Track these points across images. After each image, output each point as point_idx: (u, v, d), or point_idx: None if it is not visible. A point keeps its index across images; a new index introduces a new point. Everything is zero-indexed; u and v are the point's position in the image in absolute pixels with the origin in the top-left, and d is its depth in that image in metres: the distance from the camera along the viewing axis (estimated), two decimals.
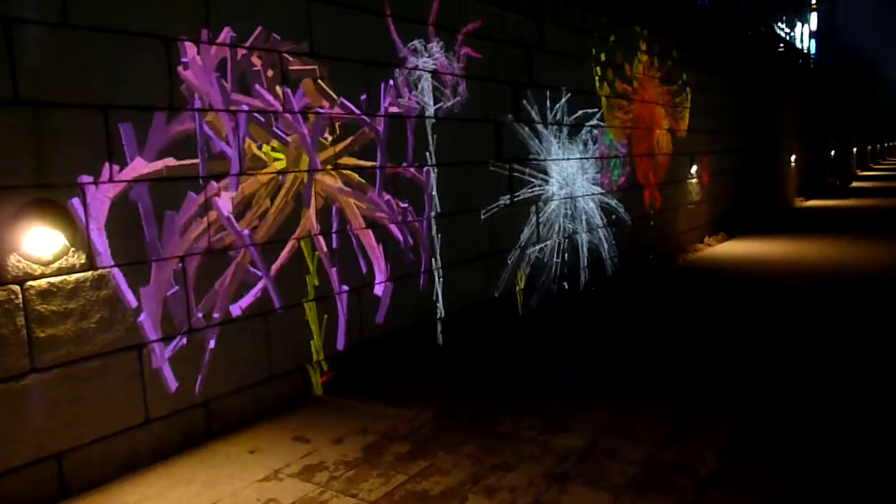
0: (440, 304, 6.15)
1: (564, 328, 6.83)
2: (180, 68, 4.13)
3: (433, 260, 6.06)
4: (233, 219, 4.44)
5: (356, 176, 5.31)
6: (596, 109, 8.67)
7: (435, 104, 6.01)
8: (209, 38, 4.29)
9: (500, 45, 6.89)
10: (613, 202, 9.20)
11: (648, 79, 10.40)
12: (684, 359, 5.71)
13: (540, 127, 7.51)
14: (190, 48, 4.18)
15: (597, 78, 8.72)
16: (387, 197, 5.56)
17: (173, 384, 4.10)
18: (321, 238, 5.03)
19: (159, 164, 4.03)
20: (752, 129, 16.50)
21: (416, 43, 5.80)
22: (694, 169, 12.29)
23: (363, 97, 5.34)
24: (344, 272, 5.20)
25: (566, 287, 8.10)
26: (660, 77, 10.85)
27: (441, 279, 6.14)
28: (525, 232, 7.33)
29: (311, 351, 4.99)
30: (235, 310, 4.45)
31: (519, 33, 7.20)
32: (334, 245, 5.12)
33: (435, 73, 6.00)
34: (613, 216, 9.22)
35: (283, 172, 4.78)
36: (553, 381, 5.29)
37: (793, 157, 21.32)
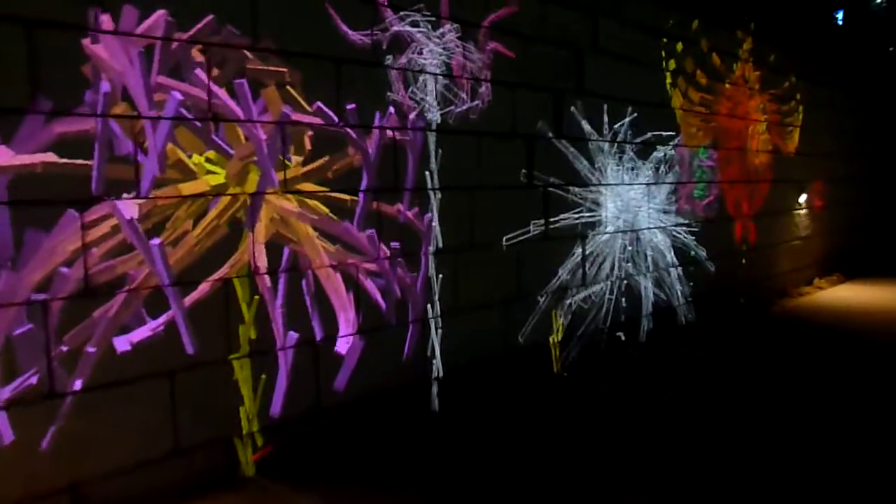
0: (437, 361, 4.95)
1: (607, 396, 5.45)
2: (87, 40, 3.22)
3: (429, 306, 4.88)
4: (141, 236, 3.46)
5: (324, 207, 4.22)
6: (670, 125, 7.23)
7: (442, 108, 4.85)
8: (135, 19, 3.38)
9: (535, 43, 5.65)
10: (692, 236, 7.70)
11: (747, 91, 8.80)
12: (762, 463, 4.25)
13: (592, 145, 6.19)
14: (106, 21, 3.30)
15: (674, 88, 7.28)
16: (368, 232, 4.44)
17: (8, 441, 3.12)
18: (265, 277, 3.97)
19: (34, 159, 3.11)
20: (881, 154, 14.28)
21: (422, 27, 4.67)
22: (803, 198, 10.48)
23: (350, 106, 4.27)
24: (294, 322, 4.11)
25: (622, 339, 6.69)
26: (763, 90, 9.21)
27: (439, 329, 4.95)
28: (565, 269, 6.02)
29: (240, 420, 3.93)
30: (123, 346, 3.44)
31: (563, 28, 5.93)
32: (282, 287, 4.05)
33: (447, 69, 4.85)
34: (691, 253, 7.71)
35: (217, 191, 3.76)
36: (580, 478, 3.97)
37: None
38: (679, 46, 7.34)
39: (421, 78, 4.68)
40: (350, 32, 4.27)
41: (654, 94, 7.02)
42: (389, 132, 4.52)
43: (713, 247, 8.08)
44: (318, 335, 4.24)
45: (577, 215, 6.06)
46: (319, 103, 4.15)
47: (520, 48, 5.49)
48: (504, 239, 5.43)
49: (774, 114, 9.63)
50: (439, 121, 4.82)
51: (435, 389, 4.96)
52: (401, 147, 4.62)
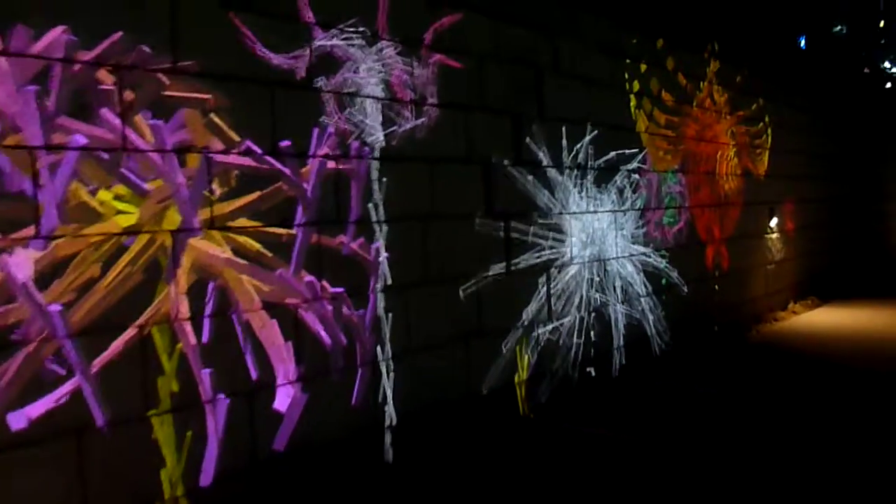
0: (389, 408, 4.55)
1: (577, 439, 5.08)
2: None
3: (379, 348, 4.48)
4: (32, 289, 3.03)
5: (257, 245, 3.83)
6: (635, 149, 6.96)
7: (385, 129, 4.49)
8: (27, 38, 2.99)
9: (492, 63, 5.35)
10: (662, 263, 7.40)
11: (714, 114, 8.60)
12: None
13: (553, 172, 5.88)
14: None
15: (636, 110, 7.03)
16: (307, 277, 4.05)
17: None
18: (187, 325, 3.56)
19: None
20: (854, 175, 14.22)
21: (356, 42, 4.33)
22: (774, 221, 10.28)
23: (283, 143, 3.91)
24: (223, 373, 3.69)
25: (592, 374, 6.33)
26: (731, 112, 9.02)
27: (391, 373, 4.55)
28: (530, 307, 5.66)
29: (160, 484, 3.48)
30: (19, 423, 3.00)
31: (521, 50, 5.65)
32: (207, 335, 3.63)
33: (387, 87, 4.51)
34: (663, 280, 7.41)
35: (131, 231, 3.37)
36: None
37: None
38: (643, 67, 7.10)
39: (358, 99, 4.33)
40: (273, 56, 3.90)
41: (617, 117, 6.76)
42: (327, 160, 4.15)
43: (685, 273, 7.78)
44: (253, 385, 3.82)
45: (541, 244, 5.72)
46: (248, 141, 3.77)
47: (475, 69, 5.18)
48: (461, 278, 5.06)
49: (743, 136, 9.44)
50: (383, 143, 4.47)
51: (388, 438, 4.54)
52: (342, 176, 4.26)
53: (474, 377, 5.18)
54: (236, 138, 3.72)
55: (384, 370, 4.51)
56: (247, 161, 3.77)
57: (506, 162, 5.42)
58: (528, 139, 5.62)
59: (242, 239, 3.78)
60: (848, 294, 11.83)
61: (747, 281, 9.45)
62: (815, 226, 11.98)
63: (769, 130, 10.27)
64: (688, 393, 6.22)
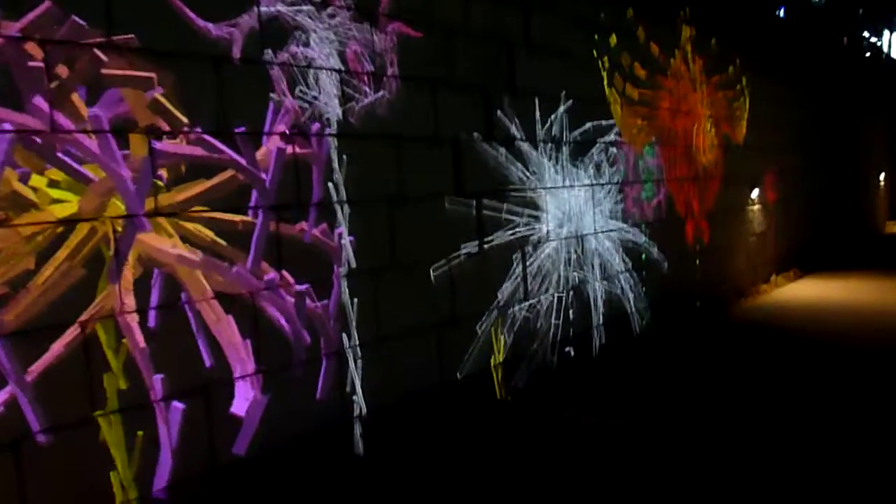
0: (358, 398, 4.36)
1: (556, 424, 4.92)
2: None
3: (345, 336, 4.28)
4: None
5: (211, 233, 3.60)
6: (610, 121, 6.76)
7: (343, 105, 4.26)
8: None
9: (459, 37, 5.11)
10: (642, 239, 7.23)
11: (690, 84, 8.40)
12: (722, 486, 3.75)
13: (526, 146, 5.67)
14: None
15: (610, 82, 6.81)
16: (266, 267, 3.83)
17: None
18: (134, 321, 3.33)
19: None
20: (832, 146, 14.12)
21: (306, 8, 4.07)
22: (755, 193, 10.15)
23: (236, 124, 3.66)
24: (175, 368, 3.48)
25: (571, 354, 6.17)
26: (708, 82, 8.83)
27: (359, 361, 4.36)
28: (505, 287, 5.48)
29: (111, 488, 3.28)
30: None
31: (491, 21, 5.41)
32: (155, 328, 3.41)
33: (342, 58, 4.26)
34: (643, 256, 7.25)
35: (69, 221, 3.13)
36: None
37: (882, 177, 18.63)
38: (613, 40, 6.87)
39: (312, 72, 4.09)
40: (213, 27, 3.64)
41: (592, 90, 6.55)
42: (284, 140, 3.92)
43: (665, 250, 7.63)
44: (209, 384, 3.61)
45: (515, 221, 5.53)
46: (198, 123, 3.52)
47: (442, 43, 4.95)
48: (432, 260, 4.86)
49: (720, 102, 9.26)
50: (340, 117, 4.22)
51: (358, 430, 4.36)
52: (300, 156, 4.03)
53: (448, 362, 5.00)
54: (184, 120, 3.47)
55: (351, 359, 4.31)
56: (197, 144, 3.52)
57: (476, 135, 5.20)
58: (499, 113, 5.40)
59: (194, 227, 3.55)
60: (829, 266, 11.77)
61: (729, 255, 9.33)
62: (796, 197, 11.89)
63: (746, 93, 10.09)
64: (669, 374, 6.08)
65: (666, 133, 7.79)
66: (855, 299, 8.96)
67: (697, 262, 8.45)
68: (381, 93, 4.45)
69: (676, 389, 5.60)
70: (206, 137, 3.56)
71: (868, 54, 20.78)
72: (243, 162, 3.71)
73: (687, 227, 8.27)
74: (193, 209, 3.52)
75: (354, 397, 4.34)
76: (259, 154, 3.78)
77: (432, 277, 4.85)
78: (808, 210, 12.57)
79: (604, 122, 6.62)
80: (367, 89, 4.37)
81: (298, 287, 4.00)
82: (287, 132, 3.93)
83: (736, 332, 7.60)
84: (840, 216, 14.48)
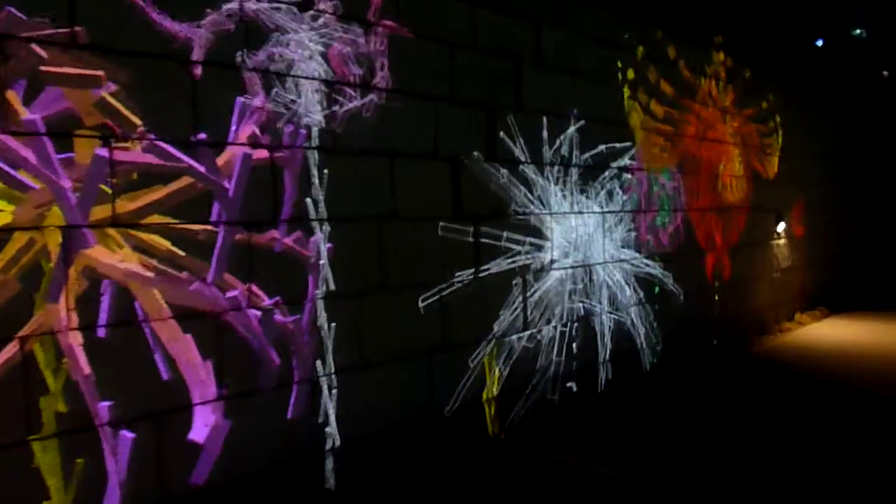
0: (332, 429, 4.05)
1: (544, 467, 4.57)
2: None
3: (318, 364, 3.99)
4: None
5: (167, 243, 3.35)
6: (627, 144, 6.42)
7: (325, 110, 3.99)
8: None
9: (464, 52, 4.84)
10: (656, 271, 6.86)
11: (720, 113, 8.05)
12: None
13: (531, 168, 5.37)
14: None
15: (630, 101, 6.49)
16: (231, 282, 3.56)
17: None
18: (76, 336, 3.07)
19: None
20: (866, 181, 13.58)
21: (285, 7, 3.83)
22: (782, 226, 9.70)
23: (198, 130, 3.41)
24: (124, 391, 3.22)
25: (574, 390, 5.81)
26: (738, 110, 8.46)
27: (334, 391, 4.06)
28: (503, 316, 5.15)
29: None
30: None
31: (499, 36, 5.13)
32: (102, 347, 3.15)
33: (325, 60, 4.00)
34: (656, 289, 6.87)
35: (3, 230, 2.89)
36: None
37: None
38: (640, 53, 6.56)
39: (290, 76, 3.82)
40: (177, 26, 3.39)
41: (607, 110, 6.23)
42: (250, 147, 3.65)
43: (682, 283, 7.24)
44: (164, 409, 3.34)
45: (516, 249, 5.21)
46: (153, 128, 3.28)
47: (444, 54, 4.69)
48: (423, 284, 4.56)
49: (751, 136, 8.88)
50: (323, 125, 3.95)
51: (330, 464, 4.05)
52: (269, 165, 3.76)
53: (436, 394, 4.68)
54: (138, 123, 3.22)
55: (325, 388, 4.02)
56: (151, 149, 3.27)
57: (476, 154, 4.91)
58: (503, 132, 5.11)
59: (148, 238, 3.29)
60: (859, 305, 11.22)
61: (751, 290, 8.89)
62: (826, 233, 11.39)
63: (779, 131, 9.70)
64: (677, 416, 5.68)
65: (690, 161, 7.43)
66: (883, 343, 8.44)
67: (716, 296, 8.04)
68: (369, 97, 4.17)
69: (683, 434, 5.21)
70: (161, 143, 3.30)
71: None
72: (202, 169, 3.45)
73: (707, 260, 7.88)
74: (147, 219, 3.27)
75: (327, 429, 4.04)
76: (222, 161, 3.52)
77: (422, 303, 4.55)
78: (839, 246, 12.04)
79: (619, 146, 6.30)
80: (351, 91, 4.10)
81: (268, 305, 3.72)
82: (258, 139, 3.67)
83: (752, 373, 7.16)
84: (872, 254, 13.90)
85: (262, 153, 3.68)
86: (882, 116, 14.60)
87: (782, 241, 9.80)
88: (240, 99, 3.60)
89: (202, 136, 3.43)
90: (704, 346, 7.69)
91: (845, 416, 5.64)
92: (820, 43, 13.55)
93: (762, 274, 9.21)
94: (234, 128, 3.56)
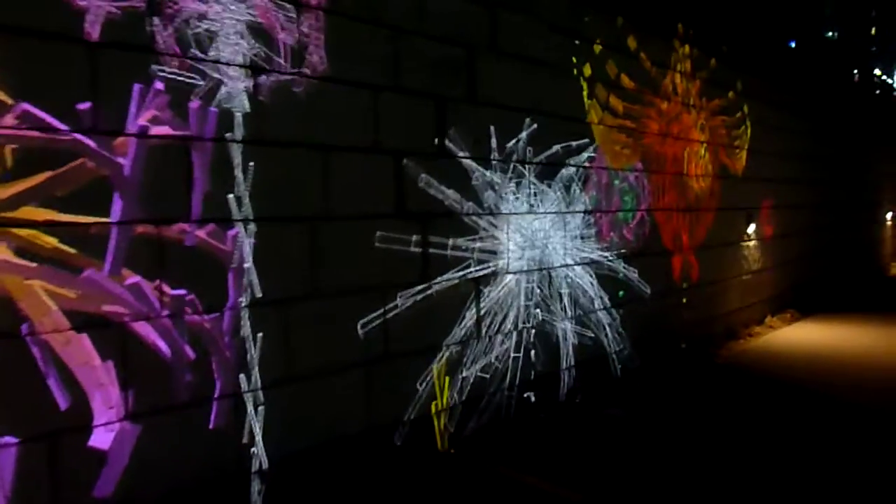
0: (258, 449, 3.68)
1: (496, 484, 4.24)
2: None
3: (243, 377, 3.62)
4: None
5: (53, 240, 2.96)
6: (587, 140, 6.12)
7: (251, 94, 3.62)
8: None
9: (411, 37, 4.50)
10: (621, 274, 6.57)
11: (684, 106, 7.78)
12: None
13: (483, 165, 5.04)
14: None
15: (589, 99, 6.19)
16: (132, 278, 3.18)
17: None
18: None
19: None
20: (837, 181, 13.47)
21: None
22: (752, 227, 9.48)
23: (84, 106, 3.01)
24: (8, 408, 2.83)
25: (532, 400, 5.49)
26: (705, 106, 8.21)
27: (261, 407, 3.69)
28: (454, 321, 4.82)
29: None
30: None
31: (451, 23, 4.79)
32: None
33: (252, 36, 3.64)
34: (620, 293, 6.58)
35: None
36: None
37: (889, 216, 17.96)
38: (597, 48, 6.26)
39: (209, 52, 3.44)
40: None
41: (565, 106, 5.91)
42: (153, 125, 3.27)
43: (648, 285, 6.95)
44: (62, 424, 2.95)
45: (469, 249, 4.87)
46: (28, 104, 2.87)
47: (390, 42, 4.34)
48: (363, 289, 4.20)
49: (719, 129, 8.63)
50: (248, 110, 3.58)
51: (256, 486, 3.68)
52: (183, 150, 3.38)
53: (379, 408, 4.32)
54: (9, 101, 2.82)
55: (250, 404, 3.65)
56: (27, 127, 2.86)
57: (423, 150, 4.56)
58: (453, 126, 4.77)
59: (28, 233, 2.89)
60: (830, 307, 11.05)
61: (720, 293, 8.65)
62: (797, 233, 11.22)
63: (748, 123, 9.47)
64: (642, 426, 5.39)
65: (653, 158, 7.15)
66: (855, 347, 8.24)
67: (684, 299, 7.78)
68: (303, 68, 3.80)
69: (648, 446, 4.91)
70: (43, 118, 2.89)
71: (878, 91, 20.18)
72: (97, 150, 3.04)
73: (674, 262, 7.61)
74: (26, 211, 2.87)
75: (253, 449, 3.67)
76: (117, 142, 3.12)
77: (362, 323, 4.19)
78: (810, 248, 11.89)
79: (579, 142, 5.99)
80: (285, 80, 3.73)
81: (181, 312, 3.35)
82: (164, 120, 3.29)
83: (721, 378, 6.90)
84: (843, 255, 13.79)
85: (166, 132, 3.28)
86: (853, 118, 14.52)
87: (752, 243, 9.58)
88: (144, 66, 3.21)
89: (86, 105, 3.02)
90: (673, 351, 7.43)
91: (810, 427, 5.38)
92: (793, 44, 13.43)
93: (731, 276, 8.97)
94: (134, 103, 3.15)
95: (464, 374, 4.86)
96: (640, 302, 6.83)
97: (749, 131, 9.51)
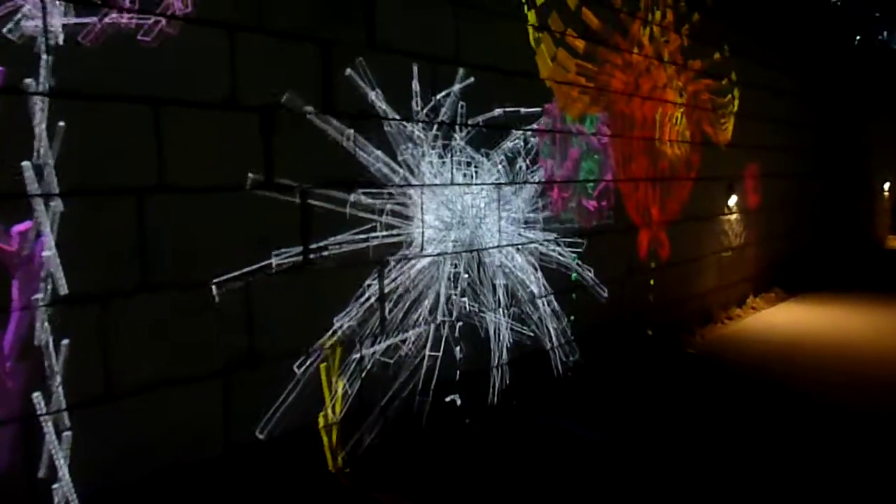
0: (62, 485, 2.90)
1: None
2: None
3: (39, 396, 2.82)
4: None
5: None
6: (534, 97, 5.26)
7: (68, 15, 2.79)
8: None
9: None
10: (574, 252, 5.75)
11: (659, 62, 6.90)
12: None
13: (393, 126, 4.18)
14: None
15: (539, 47, 5.31)
16: None
17: None
18: None
19: None
20: (833, 149, 12.58)
21: None
22: (733, 200, 8.64)
23: None
24: None
25: (457, 403, 4.70)
26: (685, 65, 7.32)
27: (66, 433, 2.89)
28: (348, 313, 4.01)
29: None
30: None
31: None
32: None
33: None
34: (573, 275, 5.76)
35: None
36: None
37: (886, 186, 17.09)
38: None
39: None
40: None
41: (506, 55, 5.04)
42: None
43: (609, 266, 6.14)
44: None
45: (369, 226, 4.05)
46: None
47: None
48: (217, 276, 3.38)
49: (701, 94, 7.75)
50: (63, 52, 2.75)
51: None
52: None
53: (243, 422, 3.54)
54: None
55: (50, 430, 2.85)
56: None
57: (305, 106, 3.71)
58: (349, 75, 3.92)
59: None
60: (820, 285, 10.24)
61: (694, 272, 7.84)
62: (784, 204, 10.37)
63: (735, 91, 8.59)
64: (583, 435, 4.62)
65: (617, 120, 6.29)
66: (845, 334, 7.43)
67: (652, 281, 6.97)
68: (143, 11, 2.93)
69: (589, 459, 4.15)
70: None
71: (881, 56, 19.17)
72: None
73: (640, 238, 6.79)
74: None
75: (56, 485, 2.88)
76: None
77: (217, 298, 3.38)
78: (799, 220, 11.06)
79: (524, 98, 5.13)
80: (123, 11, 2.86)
81: None
82: None
83: (690, 372, 6.13)
84: (837, 228, 12.96)
85: None
86: (852, 82, 13.59)
87: (734, 217, 8.74)
88: None
89: None
90: (636, 340, 6.64)
91: (788, 440, 4.61)
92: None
93: (708, 253, 8.15)
94: None
95: (363, 377, 4.07)
96: (594, 286, 6.01)
97: (737, 97, 8.64)
